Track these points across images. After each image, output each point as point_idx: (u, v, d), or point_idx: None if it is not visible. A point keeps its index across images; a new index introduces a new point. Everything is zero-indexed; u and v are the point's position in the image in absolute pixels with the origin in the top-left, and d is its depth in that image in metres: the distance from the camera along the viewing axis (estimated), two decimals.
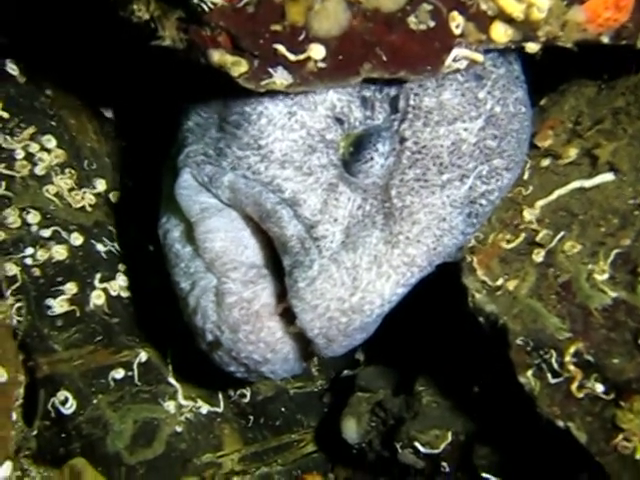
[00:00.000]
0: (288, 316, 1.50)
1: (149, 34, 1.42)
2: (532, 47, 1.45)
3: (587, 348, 1.37)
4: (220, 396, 1.95)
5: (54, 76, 1.97)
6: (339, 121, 1.51)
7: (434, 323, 1.87)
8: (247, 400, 1.97)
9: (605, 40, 1.44)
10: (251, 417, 1.98)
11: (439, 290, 1.68)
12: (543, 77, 1.76)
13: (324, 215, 1.48)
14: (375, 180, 1.48)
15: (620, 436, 1.32)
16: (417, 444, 1.71)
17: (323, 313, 1.44)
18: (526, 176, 1.64)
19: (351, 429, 1.88)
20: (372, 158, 1.48)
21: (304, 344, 1.52)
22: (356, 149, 1.49)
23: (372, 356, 2.04)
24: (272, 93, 1.48)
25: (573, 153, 1.60)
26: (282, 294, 1.51)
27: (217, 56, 1.38)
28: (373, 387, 1.95)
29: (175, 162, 1.66)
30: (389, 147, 1.47)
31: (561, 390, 1.39)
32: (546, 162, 1.64)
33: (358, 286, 1.43)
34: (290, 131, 1.49)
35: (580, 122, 1.65)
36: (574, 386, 1.37)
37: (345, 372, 2.12)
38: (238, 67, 1.38)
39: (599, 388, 1.35)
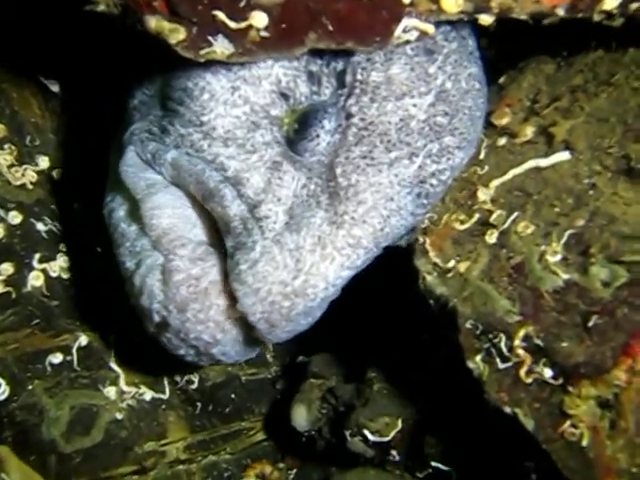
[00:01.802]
0: (233, 298, 1.43)
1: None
2: (485, 19, 1.39)
3: (537, 332, 1.32)
4: (165, 382, 1.88)
5: None
6: (284, 96, 1.45)
7: (387, 308, 1.82)
8: (195, 386, 1.90)
9: (560, 12, 1.39)
10: (199, 404, 1.91)
11: (392, 273, 1.63)
12: (503, 54, 1.73)
13: (267, 194, 1.43)
14: (320, 158, 1.42)
15: (567, 423, 1.28)
16: (366, 432, 1.66)
17: (265, 297, 1.38)
18: (482, 155, 1.58)
19: (301, 416, 1.83)
20: (318, 135, 1.42)
21: (247, 329, 1.45)
22: (301, 126, 1.43)
23: (326, 341, 1.98)
24: (214, 68, 1.43)
25: (530, 132, 1.55)
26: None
27: (153, 22, 1.31)
28: (326, 373, 1.90)
29: (120, 140, 1.60)
30: (335, 124, 1.42)
31: (510, 375, 1.34)
32: (502, 141, 1.58)
33: (301, 269, 1.37)
34: (233, 107, 1.43)
35: (538, 100, 1.60)
36: (523, 371, 1.32)
37: (300, 358, 2.05)
38: (176, 34, 1.31)
39: (548, 373, 1.30)
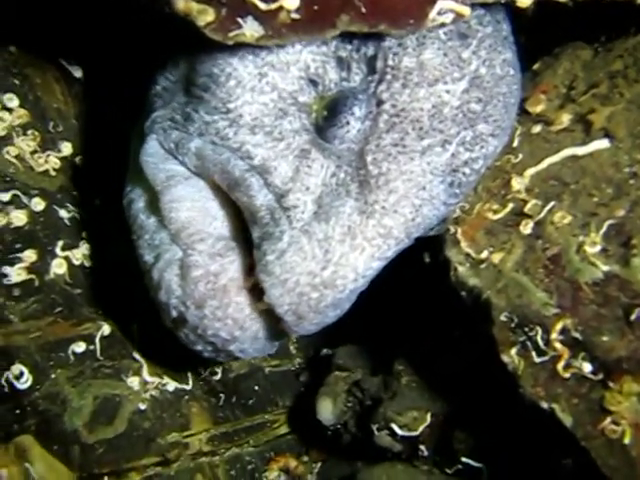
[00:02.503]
0: (257, 291, 1.40)
1: None
2: (524, 1, 1.35)
3: (575, 325, 1.28)
4: (189, 373, 1.85)
5: (19, 32, 1.85)
6: (313, 83, 1.41)
7: (416, 299, 1.77)
8: (218, 378, 1.87)
9: None
10: (222, 395, 1.88)
11: (422, 264, 1.59)
12: (538, 40, 1.68)
13: (295, 183, 1.39)
14: (350, 146, 1.39)
15: (608, 419, 1.24)
16: (394, 426, 1.62)
17: (293, 288, 1.34)
18: (515, 143, 1.54)
19: (326, 410, 1.79)
20: (348, 122, 1.38)
21: (274, 321, 1.42)
22: (331, 113, 1.40)
23: (351, 333, 1.93)
24: (241, 53, 1.40)
25: (566, 119, 1.51)
26: (252, 268, 1.42)
27: (182, 3, 1.28)
28: (351, 366, 1.86)
29: (142, 128, 1.57)
30: (365, 110, 1.38)
31: (546, 369, 1.30)
32: (537, 128, 1.54)
33: (330, 259, 1.34)
34: (260, 93, 1.40)
35: (574, 86, 1.56)
36: (560, 365, 1.28)
37: (324, 350, 2.02)
38: (204, 16, 1.28)
39: (587, 368, 1.26)
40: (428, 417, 1.62)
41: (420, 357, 1.71)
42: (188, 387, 1.83)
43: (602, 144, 1.44)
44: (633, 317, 1.23)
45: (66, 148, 1.87)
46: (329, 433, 1.83)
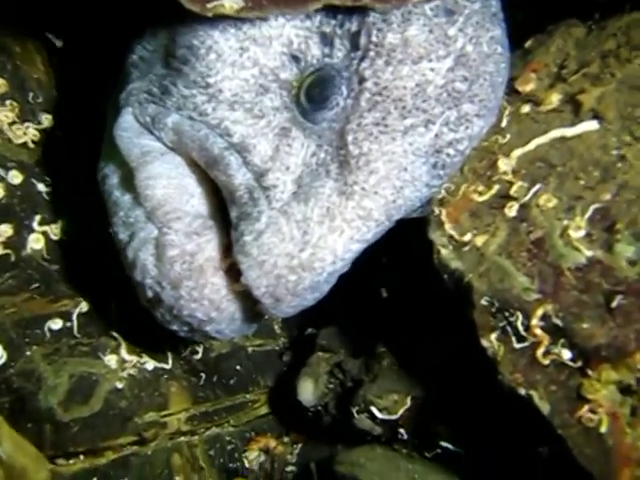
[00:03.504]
0: (235, 272, 1.37)
1: None
2: None
3: (556, 311, 1.25)
4: (169, 352, 1.83)
5: None
6: (295, 59, 1.38)
7: (400, 281, 1.74)
8: (199, 357, 1.85)
9: None
10: (203, 375, 1.85)
11: (406, 245, 1.56)
12: (529, 16, 1.64)
13: (275, 162, 1.36)
14: (331, 125, 1.35)
15: (585, 407, 1.22)
16: (374, 409, 1.60)
17: (270, 270, 1.31)
18: (504, 123, 1.51)
19: (307, 391, 1.77)
20: (338, 104, 1.34)
21: (251, 303, 1.39)
22: (318, 93, 1.36)
23: (336, 314, 1.91)
24: (223, 25, 1.36)
25: (555, 99, 1.48)
26: (229, 247, 1.39)
27: None
28: (334, 347, 1.84)
29: (117, 100, 1.53)
30: (347, 88, 1.34)
31: (525, 356, 1.28)
32: (526, 108, 1.51)
33: (308, 241, 1.31)
34: (241, 68, 1.36)
35: (565, 65, 1.52)
36: (540, 352, 1.26)
37: (309, 330, 1.99)
38: None
39: (566, 355, 1.24)
40: (408, 401, 1.59)
41: (402, 340, 1.68)
42: (168, 366, 1.80)
43: (591, 125, 1.40)
44: (614, 304, 1.20)
45: (46, 120, 1.83)
46: (309, 414, 1.81)
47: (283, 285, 1.32)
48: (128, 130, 1.46)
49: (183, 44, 1.39)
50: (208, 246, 1.40)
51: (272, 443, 1.92)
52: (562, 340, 1.24)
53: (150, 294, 1.43)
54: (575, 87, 1.46)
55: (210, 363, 1.86)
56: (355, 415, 1.63)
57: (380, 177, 1.31)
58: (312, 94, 1.36)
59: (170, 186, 1.43)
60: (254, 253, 1.32)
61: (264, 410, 1.97)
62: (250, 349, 1.93)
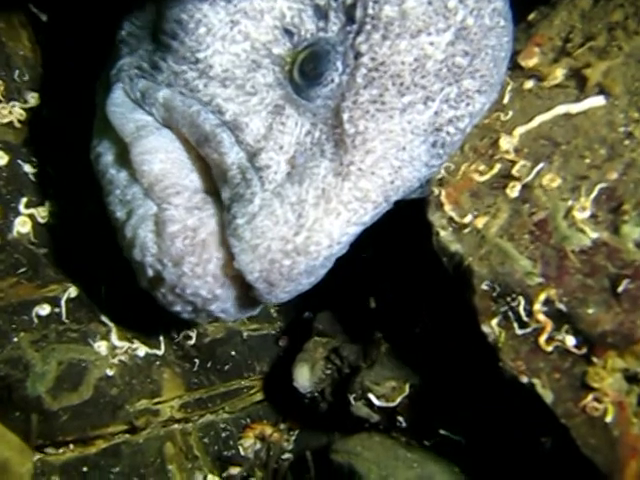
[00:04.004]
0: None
1: None
2: None
3: (559, 296, 1.21)
4: (161, 337, 1.78)
5: None
6: (288, 33, 1.32)
7: (400, 263, 1.69)
8: (193, 342, 1.79)
9: None
10: (196, 361, 1.81)
11: (406, 226, 1.51)
12: None
13: (268, 142, 1.31)
14: (326, 102, 1.30)
15: (590, 396, 1.18)
16: (371, 396, 1.56)
17: (264, 254, 1.26)
18: (506, 100, 1.46)
19: (303, 377, 1.72)
20: (333, 80, 1.28)
21: (244, 288, 1.34)
22: (311, 69, 1.30)
23: (334, 297, 1.86)
24: None
25: (560, 74, 1.42)
26: None
27: None
28: (331, 331, 1.79)
29: (107, 77, 1.49)
30: (343, 64, 1.28)
31: (528, 342, 1.24)
32: (529, 84, 1.46)
33: (303, 224, 1.26)
34: (232, 43, 1.31)
35: (570, 39, 1.46)
36: (542, 338, 1.22)
37: (306, 314, 1.94)
38: None
39: (570, 341, 1.19)
40: (407, 388, 1.55)
41: (400, 325, 1.63)
42: (160, 352, 1.76)
43: (597, 101, 1.36)
44: (620, 289, 1.16)
45: (32, 98, 1.77)
46: (306, 401, 1.77)
47: (277, 270, 1.27)
48: (121, 105, 1.42)
49: (172, 18, 1.34)
50: (210, 221, 1.35)
51: (268, 430, 1.88)
52: (566, 326, 1.19)
53: (151, 273, 1.38)
54: (580, 61, 1.41)
55: (204, 348, 1.81)
56: (352, 402, 1.59)
57: (377, 157, 1.26)
58: (306, 70, 1.30)
59: (168, 160, 1.38)
60: (247, 237, 1.27)
61: (259, 396, 1.93)
62: (245, 333, 1.88)
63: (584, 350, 1.18)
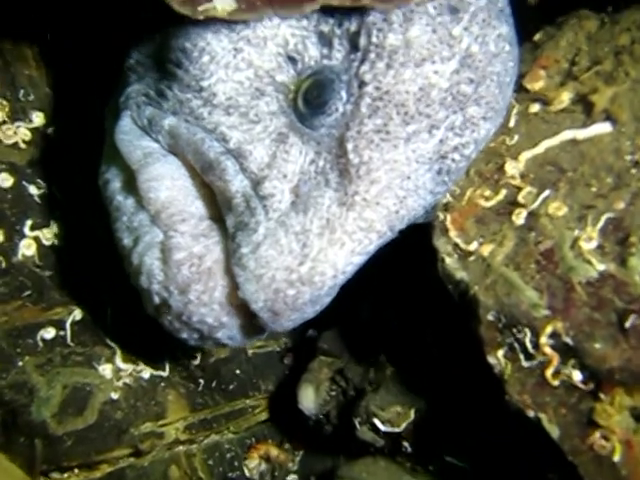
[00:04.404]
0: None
1: None
2: None
3: (566, 329, 1.19)
4: (166, 359, 1.78)
5: None
6: (292, 60, 1.32)
7: (407, 282, 1.68)
8: (197, 362, 1.80)
9: None
10: (201, 381, 1.81)
11: (411, 248, 1.50)
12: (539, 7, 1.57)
13: (272, 170, 1.30)
14: (330, 131, 1.29)
15: (597, 433, 1.17)
16: (376, 421, 1.55)
17: (268, 284, 1.26)
18: (512, 123, 1.44)
19: (308, 398, 1.72)
20: (337, 109, 1.28)
21: (249, 317, 1.33)
22: (315, 97, 1.29)
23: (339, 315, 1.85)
24: (215, 26, 1.30)
25: (566, 98, 1.41)
26: None
27: None
28: (336, 351, 1.78)
29: (116, 104, 1.49)
30: (347, 93, 1.27)
31: (534, 375, 1.23)
32: (535, 107, 1.44)
33: (308, 254, 1.25)
34: (235, 70, 1.31)
35: (577, 62, 1.45)
36: (549, 372, 1.21)
37: (310, 331, 1.94)
38: None
39: (577, 376, 1.18)
40: (412, 413, 1.54)
41: (406, 348, 1.63)
42: (165, 373, 1.76)
43: (604, 128, 1.34)
44: (628, 324, 1.14)
45: (37, 118, 1.76)
46: (311, 423, 1.76)
47: (282, 299, 1.27)
48: (128, 133, 1.42)
49: (176, 47, 1.34)
50: (216, 248, 1.35)
51: (273, 451, 1.87)
52: (573, 360, 1.18)
53: (157, 300, 1.37)
54: (587, 86, 1.39)
55: (209, 368, 1.81)
56: (358, 426, 1.59)
57: (382, 187, 1.25)
58: (310, 98, 1.30)
59: (174, 187, 1.38)
60: (251, 266, 1.27)
61: (264, 416, 1.93)
62: (250, 352, 1.88)
63: (591, 386, 1.17)
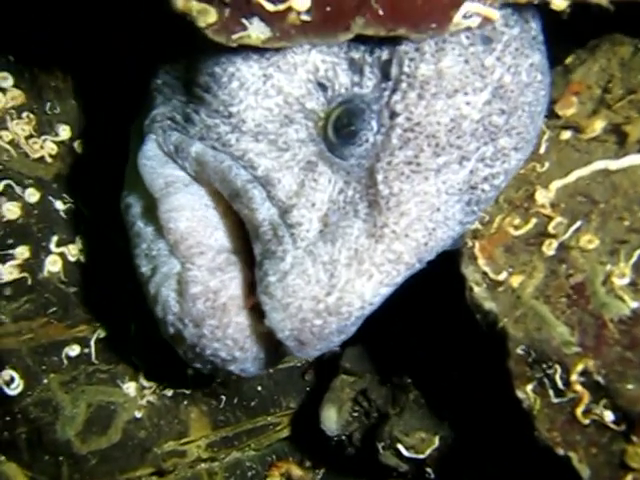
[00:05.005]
0: (259, 310, 1.31)
1: None
2: (558, 4, 1.23)
3: (597, 367, 1.19)
4: (188, 376, 1.77)
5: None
6: (322, 87, 1.30)
7: (432, 307, 1.67)
8: (219, 379, 1.79)
9: None
10: (223, 397, 1.81)
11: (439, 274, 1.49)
12: (571, 29, 1.55)
13: (300, 199, 1.29)
14: (360, 161, 1.27)
15: (629, 477, 1.16)
16: (400, 447, 1.55)
17: (295, 313, 1.25)
18: (542, 149, 1.43)
19: (331, 419, 1.72)
20: (367, 140, 1.27)
21: (275, 344, 1.33)
22: (345, 127, 1.28)
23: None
24: (245, 52, 1.29)
25: (599, 127, 1.40)
26: (253, 284, 1.33)
27: (181, 2, 1.18)
28: (358, 370, 1.77)
29: (141, 125, 1.48)
30: (378, 123, 1.26)
31: (564, 412, 1.22)
32: (567, 135, 1.43)
33: (335, 285, 1.24)
34: (265, 97, 1.29)
35: (610, 89, 1.43)
36: (579, 410, 1.20)
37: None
38: (205, 16, 1.18)
39: (608, 416, 1.18)
40: (436, 440, 1.54)
41: (432, 371, 1.62)
42: (187, 391, 1.76)
43: (637, 159, 1.33)
44: None
45: (64, 131, 1.75)
46: (333, 444, 1.76)
47: (308, 329, 1.26)
48: (152, 159, 1.41)
49: (205, 71, 1.32)
50: (232, 284, 1.35)
51: (294, 469, 1.87)
52: (604, 400, 1.18)
53: (172, 331, 1.38)
54: (620, 115, 1.38)
55: (231, 385, 1.80)
56: (381, 451, 1.59)
57: (412, 219, 1.24)
58: (340, 128, 1.28)
59: (194, 219, 1.38)
60: (278, 295, 1.26)
61: (286, 433, 1.92)
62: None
63: (623, 427, 1.16)
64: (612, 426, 1.17)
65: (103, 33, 1.79)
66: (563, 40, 1.52)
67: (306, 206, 1.29)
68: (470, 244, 1.40)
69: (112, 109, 1.79)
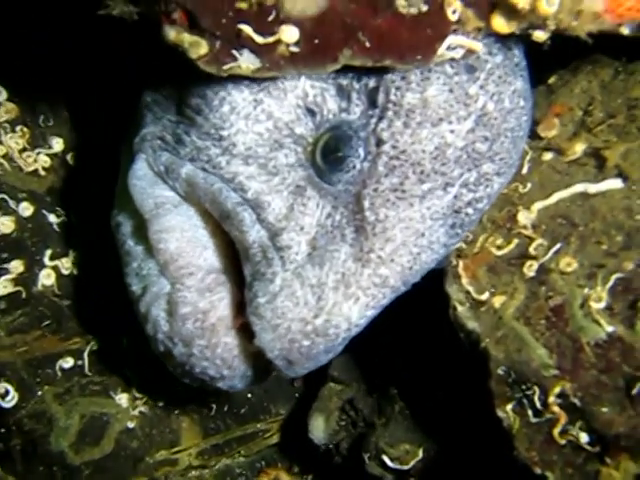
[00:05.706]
0: (248, 330, 1.35)
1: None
2: (539, 36, 1.26)
3: (574, 390, 1.23)
4: (180, 385, 1.79)
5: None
6: (311, 112, 1.33)
7: (418, 324, 1.71)
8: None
9: (625, 32, 1.25)
10: (213, 405, 1.85)
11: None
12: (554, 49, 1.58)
13: (289, 222, 1.32)
14: (347, 187, 1.31)
15: None
16: (385, 458, 1.59)
17: (284, 334, 1.29)
18: (525, 170, 1.46)
19: (319, 429, 1.76)
20: (354, 167, 1.30)
21: (264, 362, 1.37)
22: (334, 154, 1.31)
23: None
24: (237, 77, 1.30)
25: (579, 150, 1.43)
26: (242, 304, 1.37)
27: (173, 34, 1.21)
28: (346, 379, 1.81)
29: (131, 144, 1.49)
30: (365, 150, 1.29)
31: (542, 432, 1.26)
32: (548, 156, 1.46)
33: (323, 307, 1.28)
34: (255, 122, 1.32)
35: (591, 112, 1.46)
36: (557, 430, 1.24)
37: None
38: (197, 49, 1.21)
39: (584, 438, 1.22)
40: (420, 452, 1.58)
41: (415, 383, 1.66)
42: (179, 400, 1.80)
43: (615, 184, 1.36)
44: (635, 391, 1.18)
45: (57, 144, 1.77)
46: (321, 452, 1.80)
47: (297, 349, 1.30)
48: (142, 179, 1.43)
49: (196, 93, 1.35)
50: (220, 304, 1.39)
51: (283, 476, 1.92)
52: (580, 422, 1.22)
53: (162, 348, 1.42)
54: (600, 139, 1.42)
55: (221, 393, 1.84)
56: (366, 461, 1.63)
57: (397, 245, 1.28)
58: (328, 154, 1.32)
59: (183, 239, 1.41)
60: (267, 316, 1.30)
61: (275, 439, 1.96)
62: None
63: (597, 449, 1.20)
64: (587, 447, 1.21)
65: (103, 33, 1.81)
66: (546, 61, 1.56)
67: (295, 229, 1.32)
68: (454, 262, 1.43)
69: (107, 118, 1.81)
